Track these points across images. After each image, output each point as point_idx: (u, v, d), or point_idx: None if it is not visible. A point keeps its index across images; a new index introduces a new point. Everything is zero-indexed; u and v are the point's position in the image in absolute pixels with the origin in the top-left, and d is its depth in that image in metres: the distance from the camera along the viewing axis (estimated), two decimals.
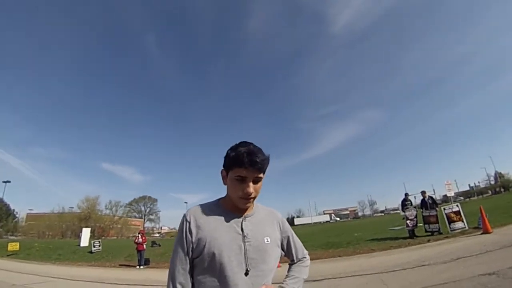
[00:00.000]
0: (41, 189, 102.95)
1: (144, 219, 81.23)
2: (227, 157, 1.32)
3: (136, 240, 15.08)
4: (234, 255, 1.21)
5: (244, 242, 1.25)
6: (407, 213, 13.27)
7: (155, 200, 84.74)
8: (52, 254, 20.81)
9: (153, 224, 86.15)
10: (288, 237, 1.51)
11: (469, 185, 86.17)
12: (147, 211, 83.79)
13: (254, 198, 1.31)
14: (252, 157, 1.23)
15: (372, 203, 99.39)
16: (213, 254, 1.19)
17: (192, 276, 1.28)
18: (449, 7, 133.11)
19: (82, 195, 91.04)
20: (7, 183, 48.66)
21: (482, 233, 10.34)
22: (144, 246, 15.00)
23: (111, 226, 57.15)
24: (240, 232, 1.27)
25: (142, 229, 23.85)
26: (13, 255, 21.40)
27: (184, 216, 1.34)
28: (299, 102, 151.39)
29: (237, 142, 1.36)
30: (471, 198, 66.92)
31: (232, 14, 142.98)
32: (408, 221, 13.01)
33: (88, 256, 18.99)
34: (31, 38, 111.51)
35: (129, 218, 71.14)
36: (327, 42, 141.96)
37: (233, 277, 1.18)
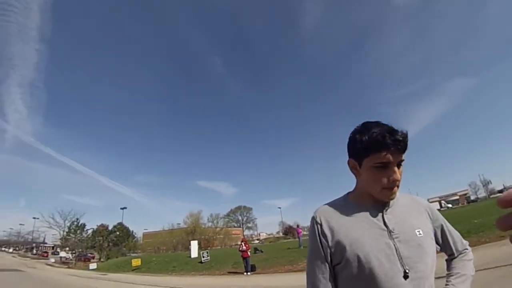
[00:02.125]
0: (151, 211, 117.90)
1: (243, 228, 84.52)
2: (355, 143, 1.08)
3: (240, 248, 15.38)
4: (385, 256, 0.97)
5: (392, 238, 1.00)
6: None
7: (250, 209, 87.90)
8: (168, 266, 22.69)
9: (251, 232, 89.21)
10: (442, 226, 1.17)
11: None
12: (244, 220, 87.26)
13: (398, 186, 1.05)
14: (395, 136, 1.00)
15: (486, 183, 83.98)
16: (358, 257, 0.97)
17: (336, 285, 1.06)
18: None
19: (186, 212, 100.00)
20: (124, 209, 56.09)
21: None
22: (248, 253, 15.24)
23: (214, 237, 60.64)
24: (384, 228, 1.03)
25: (243, 237, 24.56)
26: (136, 269, 24.24)
27: (313, 218, 1.14)
28: (376, 85, 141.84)
29: (358, 126, 1.11)
30: None
31: (288, 11, 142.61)
32: None
33: (198, 266, 20.15)
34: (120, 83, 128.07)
35: (229, 228, 74.47)
36: (392, 15, 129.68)
37: (389, 283, 0.93)
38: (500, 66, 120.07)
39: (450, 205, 71.62)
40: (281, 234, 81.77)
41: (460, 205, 69.56)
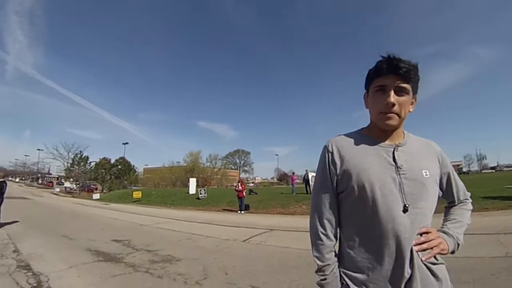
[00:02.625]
0: (152, 148, 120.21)
1: (240, 170, 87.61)
2: (367, 74, 1.15)
3: (237, 188, 16.10)
4: (389, 189, 1.02)
5: (398, 174, 1.05)
6: None
7: (248, 153, 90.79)
8: (167, 200, 23.92)
9: (247, 175, 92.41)
10: (449, 174, 1.21)
11: None
12: (242, 163, 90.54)
13: (400, 117, 1.07)
14: (393, 61, 1.04)
15: (480, 158, 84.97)
16: (363, 186, 1.03)
17: (338, 212, 1.15)
18: None
19: (186, 151, 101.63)
20: (126, 145, 57.72)
21: None
22: (244, 193, 15.98)
23: (212, 177, 62.58)
24: (393, 163, 1.07)
25: (240, 178, 25.51)
26: (137, 201, 25.69)
27: (325, 146, 1.19)
28: (398, 39, 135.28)
29: None
30: None
31: None
32: None
33: (196, 202, 21.21)
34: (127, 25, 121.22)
35: (226, 170, 76.67)
36: None
37: (388, 213, 1.00)
38: None
39: None
40: (275, 180, 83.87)
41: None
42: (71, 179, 52.97)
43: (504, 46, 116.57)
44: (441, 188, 1.20)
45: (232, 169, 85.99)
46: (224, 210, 17.17)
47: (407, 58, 1.05)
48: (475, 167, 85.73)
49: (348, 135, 1.21)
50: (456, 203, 1.26)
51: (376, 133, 1.15)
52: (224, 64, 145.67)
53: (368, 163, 1.07)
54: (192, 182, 27.58)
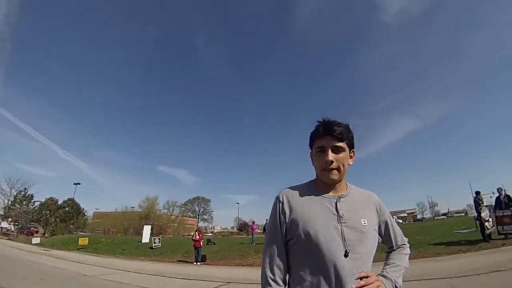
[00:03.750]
0: (106, 190, 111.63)
1: (198, 219, 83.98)
2: (310, 136, 1.34)
3: (194, 238, 15.51)
4: (331, 236, 1.15)
5: (340, 223, 1.19)
6: (483, 214, 11.54)
7: (208, 201, 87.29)
8: (117, 249, 22.25)
9: (206, 224, 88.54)
10: (387, 222, 1.38)
11: None
12: (201, 211, 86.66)
13: (340, 171, 1.25)
14: (327, 125, 1.26)
15: (433, 205, 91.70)
16: (309, 234, 1.16)
17: (287, 258, 1.25)
18: None
19: (142, 196, 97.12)
20: (77, 185, 52.01)
21: None
22: (201, 243, 15.38)
23: (168, 225, 59.88)
24: (335, 213, 1.21)
25: (198, 227, 24.58)
26: (83, 249, 23.44)
27: (277, 197, 1.33)
28: (352, 96, 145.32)
29: None
30: None
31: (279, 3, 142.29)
32: (486, 223, 11.39)
33: (149, 252, 19.96)
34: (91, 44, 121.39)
35: (184, 218, 73.68)
36: (379, 30, 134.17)
37: (331, 258, 1.12)
38: (471, 95, 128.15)
39: (400, 221, 77.81)
40: (235, 230, 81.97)
41: (407, 222, 75.36)
42: (10, 219, 47.48)
43: (456, 99, 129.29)
44: (380, 235, 1.35)
45: (190, 217, 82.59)
46: (179, 261, 16.33)
47: (340, 120, 1.29)
48: (428, 214, 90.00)
49: (298, 186, 1.36)
50: (394, 248, 1.41)
51: (321, 185, 1.31)
52: (188, 103, 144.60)
53: (313, 213, 1.21)
54: (146, 229, 26.24)
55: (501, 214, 11.42)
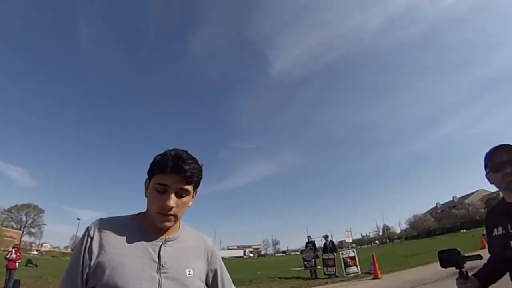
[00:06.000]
0: None
1: (23, 232, 69.03)
2: (152, 162, 1.08)
3: (8, 256, 12.47)
4: None
5: (159, 273, 0.98)
6: (303, 255, 14.69)
7: (42, 211, 73.37)
8: None
9: (32, 239, 74.22)
10: (216, 271, 1.23)
11: (361, 234, 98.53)
12: (29, 222, 71.66)
13: (176, 217, 1.05)
14: (179, 162, 1.01)
15: (275, 243, 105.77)
16: (115, 286, 0.91)
17: None
18: (370, 82, 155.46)
19: None
20: None
21: (373, 278, 11.24)
22: (17, 264, 12.56)
23: None
24: (156, 260, 1.00)
25: (18, 243, 20.23)
26: None
27: (87, 229, 1.04)
28: (225, 130, 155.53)
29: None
30: (362, 246, 73.63)
31: (178, 29, 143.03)
32: (305, 262, 14.33)
33: None
34: None
35: (4, 228, 60.03)
36: (263, 81, 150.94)
37: None
38: (317, 155, 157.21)
39: (251, 255, 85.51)
40: (70, 250, 70.99)
41: (252, 256, 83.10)
42: None
43: (304, 156, 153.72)
44: (207, 283, 1.19)
45: (13, 227, 67.36)
46: None
47: (194, 157, 1.08)
48: (270, 250, 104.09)
49: (119, 219, 1.11)
50: None
51: (150, 224, 1.07)
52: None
53: (128, 258, 0.97)
54: None
55: (326, 257, 13.81)
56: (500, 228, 1.55)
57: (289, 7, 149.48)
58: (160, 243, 1.04)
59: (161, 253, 1.02)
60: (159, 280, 0.97)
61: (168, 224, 1.04)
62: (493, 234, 1.60)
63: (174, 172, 1.00)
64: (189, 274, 1.04)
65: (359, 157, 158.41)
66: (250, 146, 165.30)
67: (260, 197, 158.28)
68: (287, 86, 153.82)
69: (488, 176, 1.61)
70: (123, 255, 0.97)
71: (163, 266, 0.99)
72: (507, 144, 1.50)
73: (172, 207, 1.00)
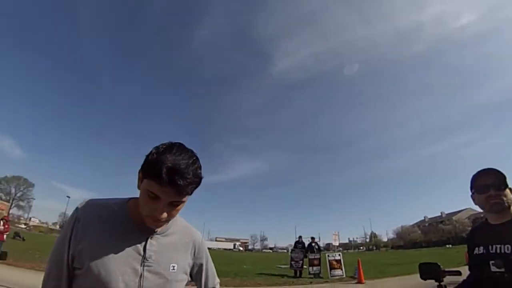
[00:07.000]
0: None
1: (12, 204, 67.74)
2: (147, 159, 0.94)
3: None
4: (124, 282, 0.94)
5: (143, 266, 0.98)
6: (292, 255, 14.94)
7: (32, 185, 72.73)
8: None
9: (21, 212, 73.44)
10: (201, 265, 1.24)
11: (348, 238, 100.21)
12: (18, 195, 71.24)
13: (168, 221, 1.01)
14: (175, 176, 0.86)
15: (263, 239, 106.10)
16: (99, 273, 0.91)
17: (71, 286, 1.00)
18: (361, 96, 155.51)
19: None
20: None
21: (356, 283, 11.37)
22: (5, 236, 12.54)
23: None
24: (141, 253, 0.99)
25: (6, 215, 20.14)
26: None
27: (77, 209, 1.02)
28: (222, 124, 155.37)
29: (167, 143, 0.98)
30: (349, 251, 74.06)
31: (181, 19, 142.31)
32: (292, 262, 14.47)
33: None
34: None
35: None
36: (263, 79, 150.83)
37: None
38: (307, 158, 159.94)
39: (241, 248, 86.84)
40: (58, 227, 70.67)
41: (241, 249, 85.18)
42: None
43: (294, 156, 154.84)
44: (191, 275, 1.20)
45: (1, 199, 65.83)
46: None
47: (194, 163, 0.95)
48: (258, 246, 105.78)
49: (109, 204, 1.06)
50: None
51: (138, 214, 1.00)
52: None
53: (113, 248, 0.96)
54: None
55: (312, 257, 14.14)
56: (481, 248, 1.64)
57: (296, 10, 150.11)
58: (147, 237, 1.03)
59: (147, 246, 1.01)
60: (141, 273, 0.97)
61: (157, 227, 1.02)
62: (474, 252, 1.69)
63: (170, 185, 0.87)
64: (173, 269, 1.05)
65: (351, 164, 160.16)
66: (243, 142, 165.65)
67: (250, 193, 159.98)
68: (286, 87, 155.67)
69: (473, 197, 1.71)
70: (109, 244, 0.97)
71: (147, 260, 0.99)
72: (493, 169, 1.61)
73: (163, 218, 0.94)
